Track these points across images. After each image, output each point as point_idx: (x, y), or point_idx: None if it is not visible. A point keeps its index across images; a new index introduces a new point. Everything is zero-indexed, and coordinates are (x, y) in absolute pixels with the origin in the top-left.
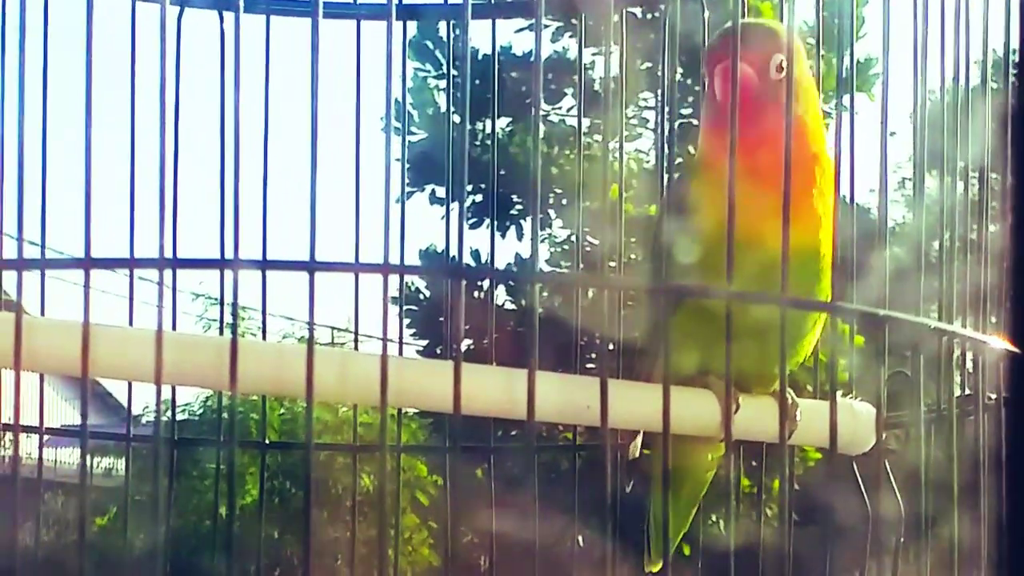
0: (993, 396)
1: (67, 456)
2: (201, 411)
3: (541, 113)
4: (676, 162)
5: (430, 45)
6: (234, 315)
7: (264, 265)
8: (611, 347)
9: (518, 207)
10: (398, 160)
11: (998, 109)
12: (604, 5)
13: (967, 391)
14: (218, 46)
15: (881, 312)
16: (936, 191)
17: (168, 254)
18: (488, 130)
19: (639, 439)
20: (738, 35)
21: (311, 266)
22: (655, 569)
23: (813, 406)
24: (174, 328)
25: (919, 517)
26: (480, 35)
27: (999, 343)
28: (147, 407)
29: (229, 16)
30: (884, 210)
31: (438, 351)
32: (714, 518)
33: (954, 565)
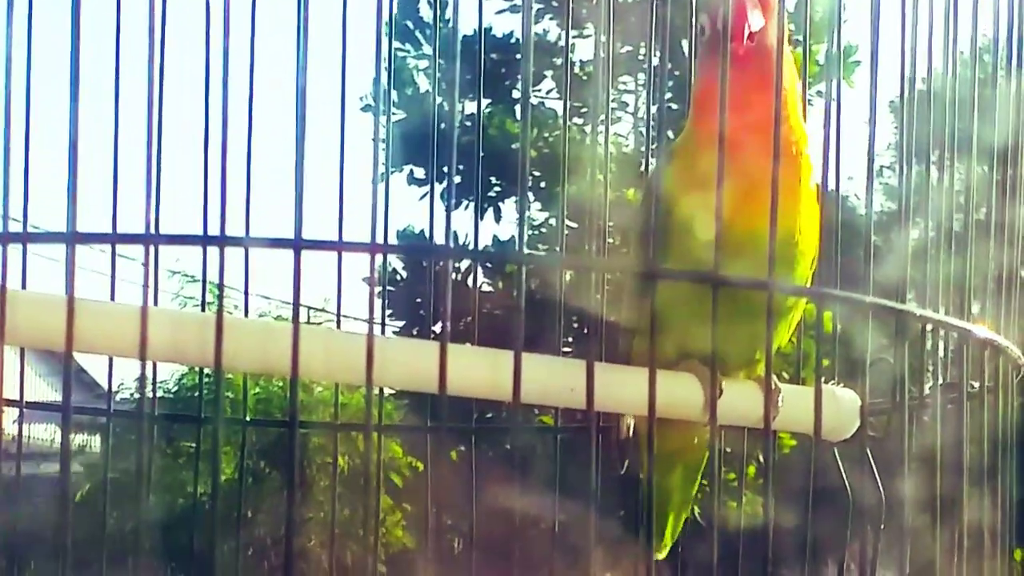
0: (976, 384)
1: (41, 432)
2: (176, 389)
3: (520, 96)
4: (656, 146)
5: (410, 25)
6: (220, 292)
7: (249, 242)
8: (586, 330)
9: (496, 189)
10: (380, 140)
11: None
12: None
13: (949, 379)
14: (203, 21)
15: (867, 299)
16: (919, 180)
17: (152, 231)
18: (467, 111)
19: (629, 418)
20: None
21: (297, 244)
22: (662, 555)
23: (795, 391)
24: (155, 305)
25: (903, 502)
26: (462, 15)
27: (983, 331)
28: (122, 384)
29: None
30: (870, 198)
31: (415, 332)
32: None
33: (936, 548)
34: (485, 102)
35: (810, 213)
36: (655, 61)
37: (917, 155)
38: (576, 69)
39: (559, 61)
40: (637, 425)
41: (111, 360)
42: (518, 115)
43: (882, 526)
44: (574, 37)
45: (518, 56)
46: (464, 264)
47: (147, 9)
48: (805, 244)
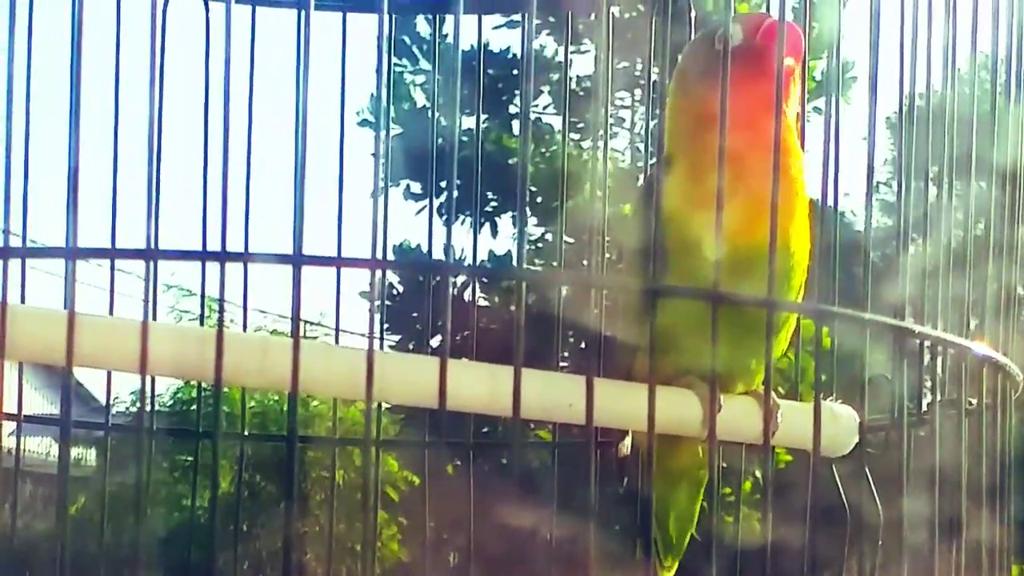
0: (974, 401)
1: (35, 445)
2: (171, 403)
3: (517, 111)
4: (654, 162)
5: (407, 40)
6: (220, 307)
7: (250, 258)
8: (583, 345)
9: (492, 204)
10: (374, 155)
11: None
12: (592, 4)
13: (948, 396)
14: (203, 37)
15: (866, 315)
16: (917, 196)
17: (152, 245)
18: (465, 126)
19: (629, 437)
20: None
21: (297, 260)
22: (670, 574)
23: (794, 407)
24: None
25: (900, 520)
26: (461, 31)
27: (982, 348)
28: (117, 397)
29: (214, 6)
30: (869, 214)
31: (410, 347)
32: None
33: (935, 566)
34: (482, 117)
35: (802, 227)
36: (654, 77)
37: (916, 172)
38: (573, 85)
39: (556, 77)
40: (637, 441)
41: (110, 374)
42: (515, 130)
43: (880, 542)
44: (571, 53)
45: (515, 72)
46: (460, 279)
47: (148, 24)
48: (797, 258)
